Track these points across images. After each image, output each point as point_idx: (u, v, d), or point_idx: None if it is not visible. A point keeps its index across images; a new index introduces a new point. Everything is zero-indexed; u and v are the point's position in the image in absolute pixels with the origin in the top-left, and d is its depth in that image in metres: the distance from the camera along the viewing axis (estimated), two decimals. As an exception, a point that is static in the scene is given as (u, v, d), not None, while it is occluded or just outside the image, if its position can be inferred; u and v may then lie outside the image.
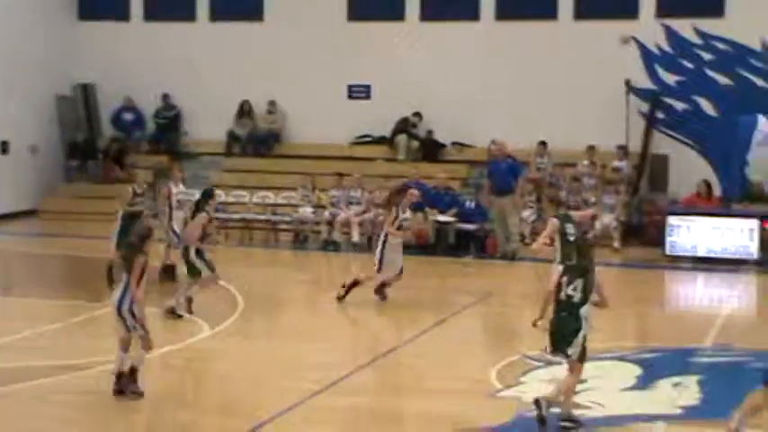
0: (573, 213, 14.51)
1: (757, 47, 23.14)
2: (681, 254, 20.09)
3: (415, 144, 24.77)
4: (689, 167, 23.08)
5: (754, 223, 19.84)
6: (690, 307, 17.65)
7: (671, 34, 23.77)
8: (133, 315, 9.85)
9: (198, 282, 14.09)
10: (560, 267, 9.82)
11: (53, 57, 25.90)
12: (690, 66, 23.79)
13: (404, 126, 24.88)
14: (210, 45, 25.93)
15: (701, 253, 19.98)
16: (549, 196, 19.21)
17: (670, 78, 23.91)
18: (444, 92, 24.21)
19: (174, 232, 16.25)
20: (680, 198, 22.51)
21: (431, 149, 24.65)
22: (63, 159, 26.64)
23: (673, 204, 21.99)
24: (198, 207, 14.31)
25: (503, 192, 20.51)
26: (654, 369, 11.54)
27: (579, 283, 9.32)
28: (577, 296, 9.30)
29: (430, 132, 24.74)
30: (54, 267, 19.52)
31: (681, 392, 10.74)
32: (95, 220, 23.51)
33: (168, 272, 16.31)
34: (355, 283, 15.11)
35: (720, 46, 23.51)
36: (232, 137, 25.83)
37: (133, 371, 9.91)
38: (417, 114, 24.82)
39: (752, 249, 19.71)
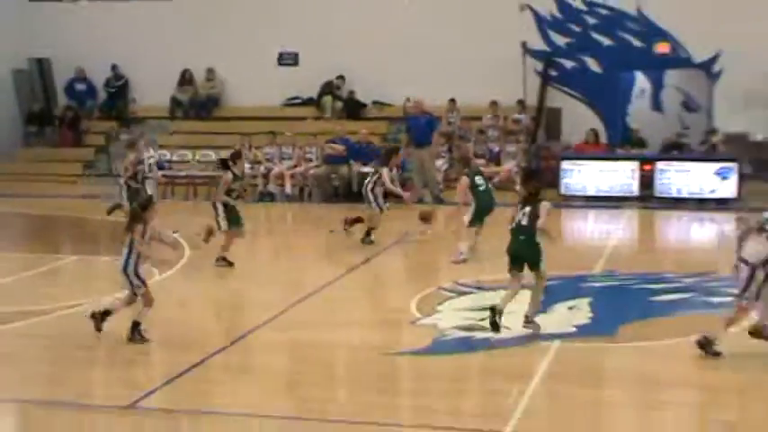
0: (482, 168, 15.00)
1: (633, 11, 23.34)
2: (573, 193, 20.34)
3: (340, 104, 24.58)
4: (579, 118, 23.23)
5: (634, 165, 20.19)
6: (582, 239, 17.88)
7: (561, 2, 23.83)
8: (137, 275, 9.75)
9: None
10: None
11: (9, 34, 25.14)
12: (577, 29, 23.88)
13: (329, 88, 24.69)
14: (153, 19, 25.37)
15: (591, 192, 20.26)
16: (458, 156, 19.40)
17: (561, 40, 23.98)
18: (364, 57, 24.01)
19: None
20: (572, 145, 22.69)
21: (353, 108, 24.48)
22: (22, 126, 26.03)
23: (566, 150, 22.18)
24: (223, 166, 14.03)
25: (421, 144, 20.61)
26: (552, 295, 11.53)
27: (527, 209, 9.94)
28: (525, 220, 9.91)
29: (352, 93, 24.57)
30: (14, 224, 19.11)
31: (574, 313, 10.88)
32: (53, 180, 23.17)
33: None
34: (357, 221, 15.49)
35: (602, 11, 23.64)
36: (175, 102, 25.40)
37: (135, 324, 9.75)
38: (341, 77, 24.64)
39: (633, 188, 20.08)
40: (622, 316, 10.81)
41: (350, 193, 20.50)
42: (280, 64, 25.25)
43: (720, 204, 19.23)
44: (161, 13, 25.40)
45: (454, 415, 8.01)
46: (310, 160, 21.95)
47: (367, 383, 8.77)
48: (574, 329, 10.24)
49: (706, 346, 9.10)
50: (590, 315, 10.85)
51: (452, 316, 10.80)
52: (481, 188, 13.89)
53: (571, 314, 10.83)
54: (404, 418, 8.05)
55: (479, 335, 9.95)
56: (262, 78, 24.71)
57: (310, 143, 22.29)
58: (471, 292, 11.89)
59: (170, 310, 11.42)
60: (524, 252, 9.94)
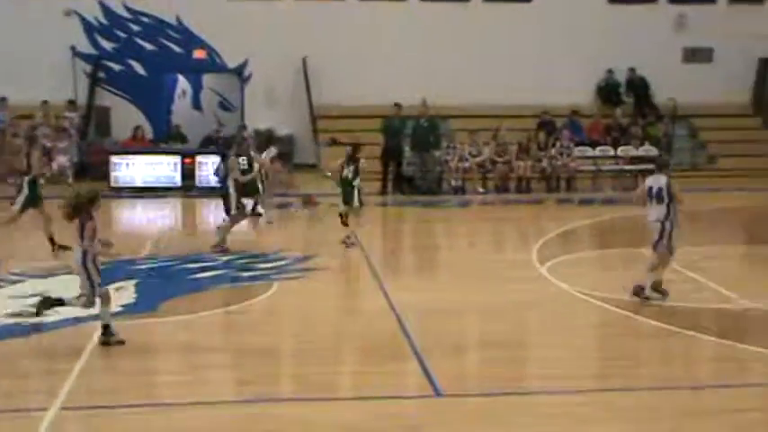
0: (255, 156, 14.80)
1: (174, 21, 23.57)
2: (123, 185, 20.12)
3: None
4: (127, 116, 23.07)
5: (177, 159, 20.39)
6: (130, 227, 17.67)
7: (106, 9, 23.44)
8: (97, 269, 8.73)
9: None
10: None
11: None
12: (123, 35, 23.64)
13: None
14: None
15: (139, 184, 20.17)
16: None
17: (108, 45, 23.59)
18: None
19: None
20: (120, 141, 22.45)
21: None
22: None
23: (114, 146, 21.89)
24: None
25: None
26: (101, 279, 11.46)
27: (351, 168, 13.94)
28: (350, 175, 13.92)
29: None
30: None
31: (121, 294, 10.78)
32: None
33: None
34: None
35: (146, 20, 23.62)
36: None
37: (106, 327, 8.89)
38: None
39: (176, 179, 20.28)
40: (164, 294, 10.96)
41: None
42: None
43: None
44: None
45: (6, 398, 7.69)
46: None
47: None
48: (120, 308, 10.13)
49: (639, 293, 10.41)
50: (135, 295, 10.83)
51: (2, 304, 10.29)
52: (245, 167, 14.19)
53: (118, 295, 10.67)
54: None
55: (29, 320, 9.57)
56: None
57: None
58: (20, 281, 11.42)
59: None
60: (349, 196, 13.86)
